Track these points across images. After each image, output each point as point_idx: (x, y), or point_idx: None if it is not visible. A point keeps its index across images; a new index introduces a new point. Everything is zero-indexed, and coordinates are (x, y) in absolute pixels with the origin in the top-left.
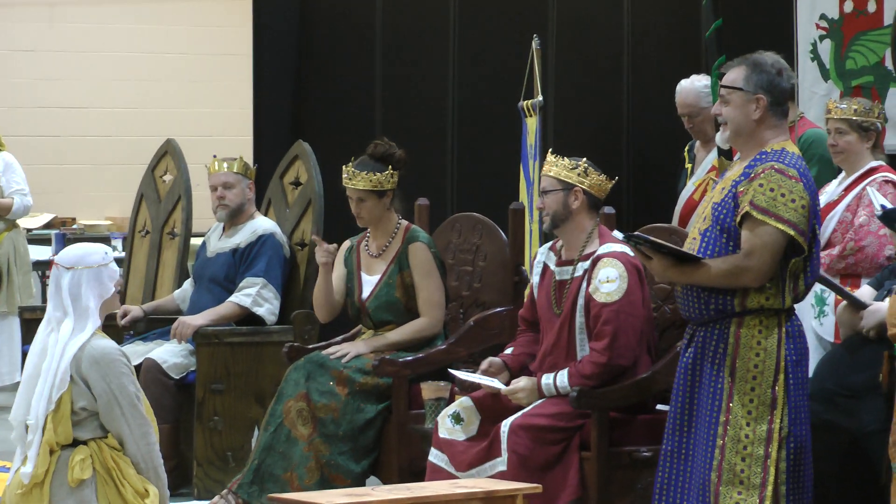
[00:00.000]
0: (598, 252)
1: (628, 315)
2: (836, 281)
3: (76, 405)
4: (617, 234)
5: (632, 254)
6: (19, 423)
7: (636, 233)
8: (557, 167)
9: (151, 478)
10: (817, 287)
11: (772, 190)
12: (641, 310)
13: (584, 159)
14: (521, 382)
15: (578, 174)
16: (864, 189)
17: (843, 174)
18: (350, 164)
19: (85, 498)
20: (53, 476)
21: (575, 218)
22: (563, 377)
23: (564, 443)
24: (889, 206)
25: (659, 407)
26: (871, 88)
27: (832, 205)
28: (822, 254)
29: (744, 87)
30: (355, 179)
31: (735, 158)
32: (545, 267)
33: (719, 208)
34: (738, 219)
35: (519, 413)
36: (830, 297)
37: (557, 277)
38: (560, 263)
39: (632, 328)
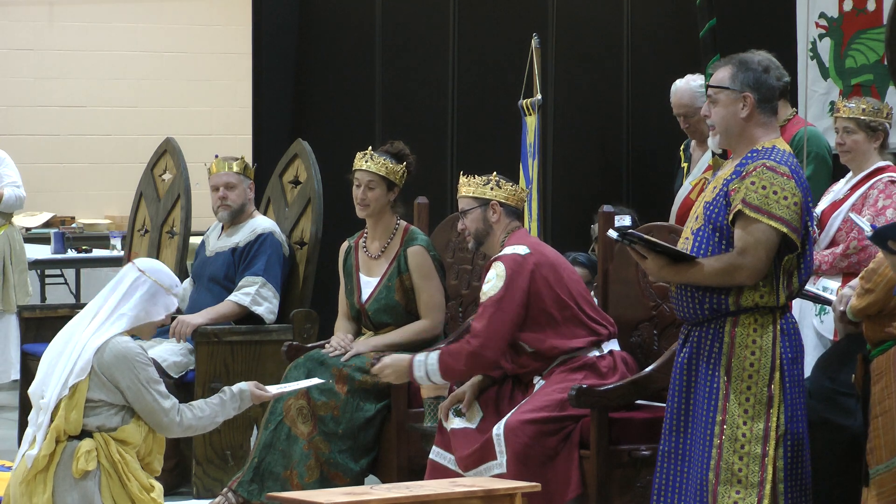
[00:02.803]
0: (492, 258)
1: (497, 310)
2: (819, 288)
3: (93, 395)
4: (611, 232)
5: (523, 251)
6: (38, 399)
7: (630, 231)
8: (470, 186)
9: (209, 427)
10: (818, 285)
11: (764, 188)
12: (516, 307)
13: (495, 173)
14: (388, 359)
15: (491, 188)
16: (870, 188)
17: (850, 174)
18: (369, 149)
19: (88, 490)
20: (58, 466)
21: (495, 231)
22: (432, 357)
23: (560, 434)
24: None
25: (640, 402)
26: (871, 87)
27: (838, 203)
28: (826, 252)
29: (730, 86)
30: (372, 162)
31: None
32: None
33: (711, 207)
34: (731, 217)
35: (509, 413)
36: (832, 295)
37: None
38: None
39: (500, 324)
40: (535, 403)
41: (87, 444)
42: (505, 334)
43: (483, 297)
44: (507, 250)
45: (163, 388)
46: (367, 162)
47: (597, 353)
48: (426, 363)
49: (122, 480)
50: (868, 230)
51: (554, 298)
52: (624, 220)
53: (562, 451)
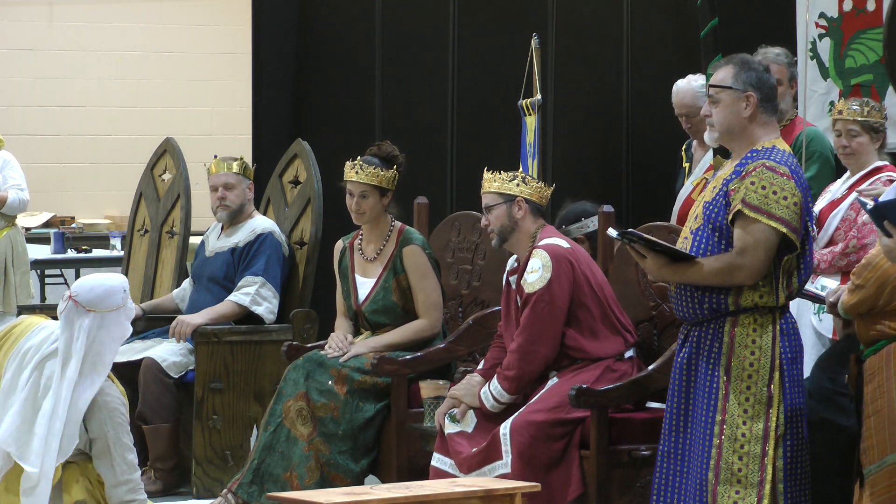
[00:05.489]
0: (533, 247)
1: (546, 304)
2: (818, 286)
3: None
4: (611, 231)
5: (564, 245)
6: (7, 454)
7: (630, 230)
8: (497, 182)
9: None
10: (817, 283)
11: (763, 188)
12: (563, 300)
13: (520, 170)
14: (460, 393)
15: (517, 184)
16: (868, 187)
17: (847, 173)
18: (357, 158)
19: None
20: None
21: (521, 227)
22: (493, 382)
23: (567, 438)
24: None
25: (651, 405)
26: (871, 87)
27: (836, 202)
28: (825, 251)
29: (733, 86)
30: (363, 173)
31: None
32: (507, 284)
33: (710, 207)
34: (731, 217)
35: (516, 413)
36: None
37: (514, 287)
38: (512, 273)
39: (549, 316)
40: (544, 403)
41: (73, 472)
42: (557, 325)
43: (529, 288)
44: (547, 241)
45: (132, 457)
46: (357, 173)
47: (616, 359)
48: (490, 392)
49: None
50: (870, 204)
51: (592, 296)
52: (588, 226)
53: (566, 451)
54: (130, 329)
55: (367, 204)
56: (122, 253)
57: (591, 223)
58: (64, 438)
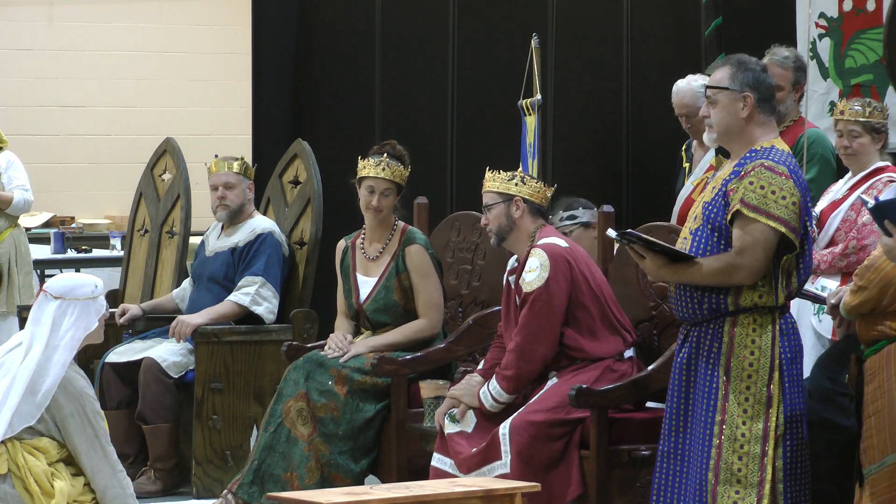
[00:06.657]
0: (531, 247)
1: (544, 303)
2: (818, 287)
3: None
4: (610, 231)
5: (563, 244)
6: None
7: (629, 230)
8: (495, 181)
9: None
10: (817, 284)
11: (762, 188)
12: (561, 299)
13: (520, 169)
14: (459, 393)
15: (516, 184)
16: (869, 188)
17: (849, 173)
18: (384, 155)
19: (2, 492)
20: None
21: (519, 227)
22: (492, 382)
23: (566, 438)
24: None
25: (651, 405)
26: (871, 87)
27: (837, 203)
28: (825, 251)
29: (730, 87)
30: (389, 170)
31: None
32: (507, 284)
33: (710, 207)
34: (729, 217)
35: (516, 413)
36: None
37: (513, 286)
38: (511, 273)
39: (547, 316)
40: (544, 403)
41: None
42: (555, 324)
43: (526, 287)
44: (546, 241)
45: (106, 429)
46: (383, 170)
47: (616, 358)
48: (489, 392)
49: (24, 484)
50: (871, 203)
51: (591, 295)
52: (583, 216)
53: (565, 451)
54: (97, 323)
55: (388, 201)
56: (122, 253)
57: (583, 214)
58: (16, 415)
